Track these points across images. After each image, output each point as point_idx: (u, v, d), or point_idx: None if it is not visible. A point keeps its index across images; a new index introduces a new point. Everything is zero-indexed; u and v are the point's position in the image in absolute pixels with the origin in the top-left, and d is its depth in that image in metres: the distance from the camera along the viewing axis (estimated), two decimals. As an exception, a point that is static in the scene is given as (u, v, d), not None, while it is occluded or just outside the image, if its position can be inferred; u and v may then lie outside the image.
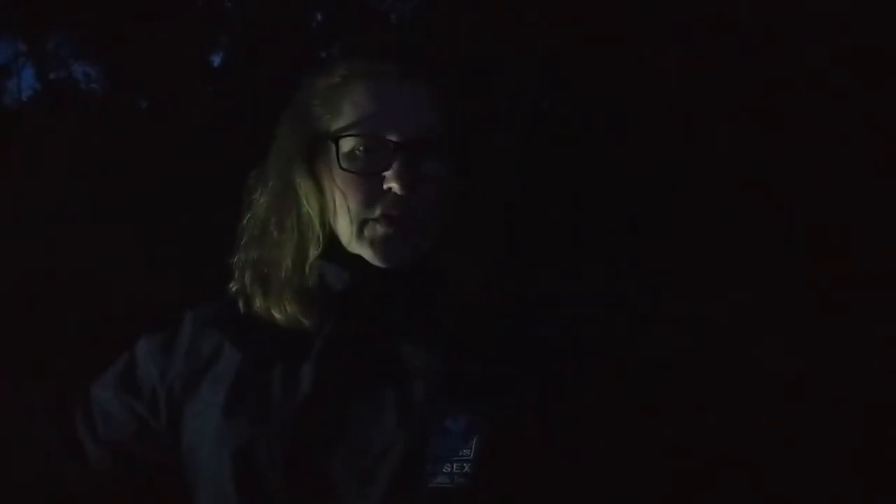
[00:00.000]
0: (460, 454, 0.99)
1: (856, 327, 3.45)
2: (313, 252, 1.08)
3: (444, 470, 0.99)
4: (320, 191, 1.08)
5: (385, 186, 1.03)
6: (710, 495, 2.65)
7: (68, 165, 5.16)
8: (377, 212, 1.04)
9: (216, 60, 6.63)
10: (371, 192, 1.04)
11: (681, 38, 4.62)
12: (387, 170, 1.03)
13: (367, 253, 1.05)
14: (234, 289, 1.13)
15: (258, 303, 1.10)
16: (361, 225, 1.05)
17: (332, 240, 1.08)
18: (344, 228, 1.06)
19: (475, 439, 1.00)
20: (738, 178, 4.20)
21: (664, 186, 4.26)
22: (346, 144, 1.05)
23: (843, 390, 3.24)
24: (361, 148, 1.04)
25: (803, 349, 3.41)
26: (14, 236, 3.97)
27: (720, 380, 3.26)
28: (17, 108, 6.61)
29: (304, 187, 1.08)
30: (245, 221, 1.13)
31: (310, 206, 1.07)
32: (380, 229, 1.04)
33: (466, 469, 0.99)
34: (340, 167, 1.04)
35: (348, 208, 1.05)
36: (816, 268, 3.75)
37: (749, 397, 3.19)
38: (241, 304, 1.12)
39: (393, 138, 1.03)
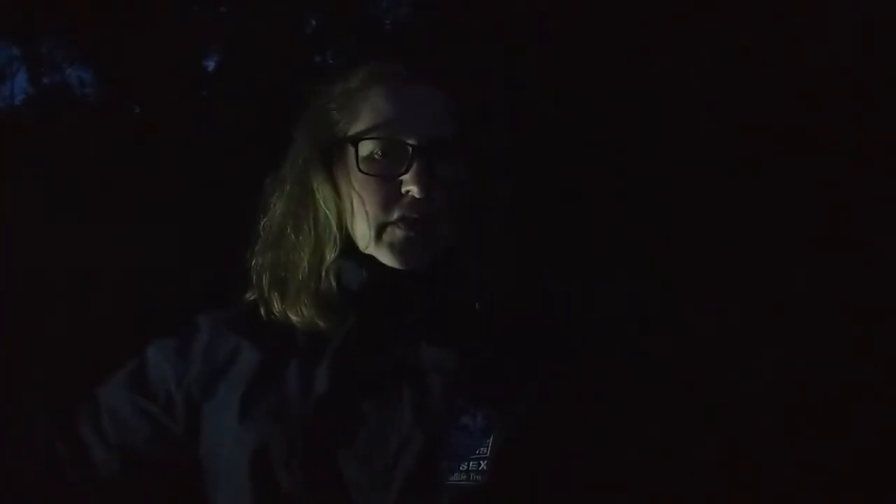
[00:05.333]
0: (477, 451, 1.00)
1: (857, 330, 3.48)
2: (330, 255, 1.08)
3: (462, 467, 0.99)
4: (338, 194, 1.09)
5: (403, 190, 1.05)
6: (719, 493, 2.67)
7: (62, 171, 5.14)
8: (395, 215, 1.05)
9: (211, 65, 6.63)
10: (389, 195, 1.05)
11: (684, 41, 4.65)
12: (405, 173, 1.04)
13: (385, 256, 1.06)
14: (251, 297, 1.14)
15: (276, 306, 1.10)
16: (380, 229, 1.06)
17: (348, 242, 1.09)
18: (362, 232, 1.07)
19: (492, 436, 1.00)
20: (742, 181, 4.22)
21: (674, 187, 4.28)
22: (365, 148, 1.06)
23: (844, 393, 3.26)
24: (380, 151, 1.06)
25: (806, 353, 3.43)
26: (9, 240, 3.96)
27: (731, 380, 3.27)
28: (9, 112, 6.60)
29: (322, 190, 1.08)
30: (261, 226, 1.13)
31: (328, 209, 1.08)
32: (398, 233, 1.05)
33: (483, 466, 0.99)
34: (360, 170, 1.05)
35: (367, 212, 1.06)
36: (818, 272, 3.78)
37: (761, 398, 3.21)
38: (261, 309, 1.12)
39: (411, 141, 1.04)
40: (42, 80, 6.65)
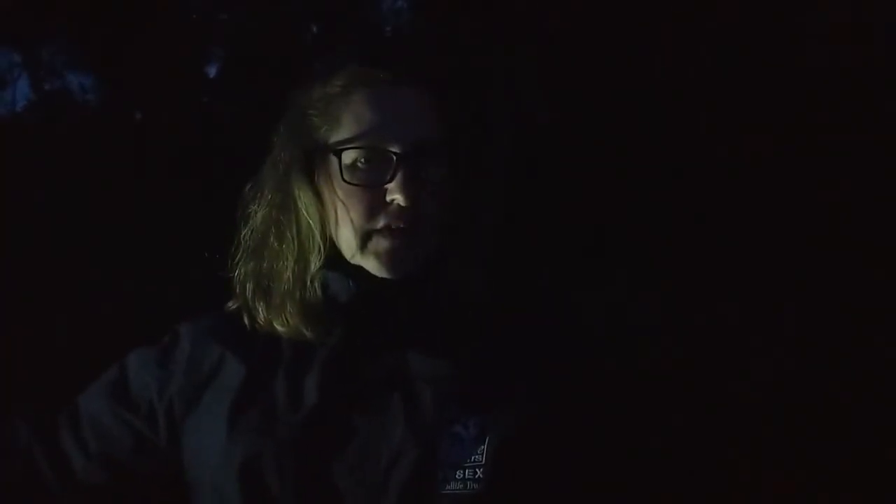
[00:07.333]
0: (471, 459, 0.98)
1: (857, 331, 3.46)
2: (315, 263, 1.06)
3: (458, 475, 0.98)
4: (321, 201, 1.07)
5: (388, 198, 1.03)
6: (719, 495, 2.65)
7: (63, 176, 5.14)
8: (381, 223, 1.03)
9: (212, 71, 6.63)
10: (374, 204, 1.03)
11: (682, 47, 4.64)
12: (389, 181, 1.02)
13: (371, 265, 1.05)
14: (233, 306, 1.12)
15: (261, 315, 1.09)
16: (365, 237, 1.04)
17: (333, 251, 1.07)
18: (347, 240, 1.05)
19: (486, 444, 0.99)
20: (738, 185, 4.21)
21: (664, 192, 4.27)
22: (348, 157, 1.04)
23: (844, 394, 3.25)
24: (363, 160, 1.04)
25: (807, 354, 3.42)
26: (5, 245, 3.95)
27: (729, 384, 3.26)
28: (11, 118, 6.61)
29: (304, 198, 1.06)
30: (243, 235, 1.11)
31: (310, 217, 1.06)
32: (384, 242, 1.03)
33: (479, 474, 0.98)
34: (343, 180, 1.03)
35: (351, 220, 1.04)
36: (818, 272, 3.76)
37: (761, 399, 3.20)
38: (245, 318, 1.10)
39: (394, 149, 1.03)
40: (43, 86, 6.66)
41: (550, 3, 4.87)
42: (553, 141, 4.45)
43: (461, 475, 0.98)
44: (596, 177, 4.43)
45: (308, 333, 1.06)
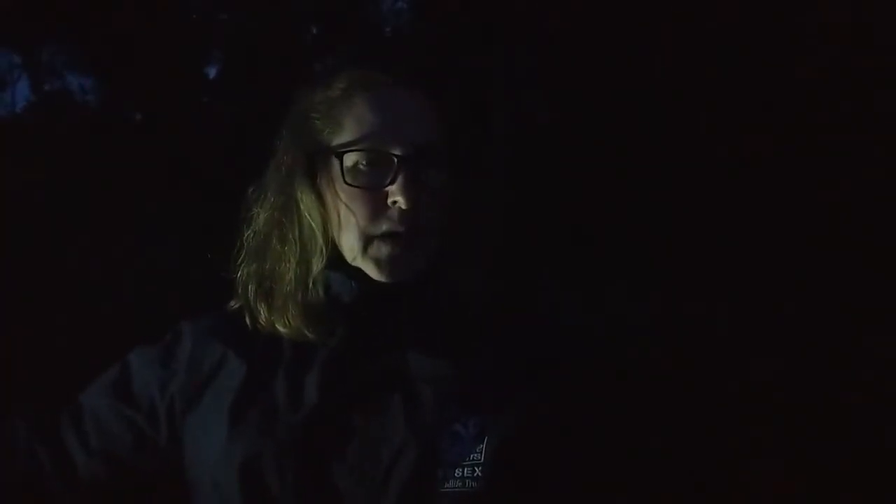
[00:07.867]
0: (470, 458, 0.98)
1: (857, 331, 3.46)
2: (317, 265, 1.06)
3: (457, 474, 0.98)
4: (323, 204, 1.06)
5: (390, 201, 1.02)
6: (715, 499, 2.65)
7: (63, 176, 5.14)
8: (383, 228, 1.03)
9: (212, 73, 6.64)
10: (376, 207, 1.03)
11: (682, 47, 4.64)
12: (391, 184, 1.02)
13: (371, 270, 1.04)
14: (235, 306, 1.12)
15: (263, 316, 1.08)
16: (367, 242, 1.03)
17: (335, 252, 1.07)
18: (349, 243, 1.05)
19: (485, 443, 0.99)
20: (738, 185, 4.21)
21: (663, 192, 4.28)
22: (350, 159, 1.04)
23: (843, 395, 3.25)
24: (365, 162, 1.03)
25: (806, 355, 3.42)
26: (5, 245, 3.96)
27: (727, 385, 3.26)
28: (11, 118, 6.61)
29: (307, 201, 1.06)
30: (245, 236, 1.11)
31: (312, 219, 1.06)
32: (384, 249, 1.03)
33: (478, 473, 0.98)
34: (345, 182, 1.03)
35: (354, 224, 1.04)
36: (818, 273, 3.76)
37: (752, 403, 3.20)
38: (246, 318, 1.10)
39: (396, 152, 1.02)
40: (43, 87, 6.67)
41: (550, 3, 4.88)
42: (553, 141, 4.46)
43: (460, 473, 0.98)
44: (596, 177, 4.43)
45: (310, 334, 1.06)
